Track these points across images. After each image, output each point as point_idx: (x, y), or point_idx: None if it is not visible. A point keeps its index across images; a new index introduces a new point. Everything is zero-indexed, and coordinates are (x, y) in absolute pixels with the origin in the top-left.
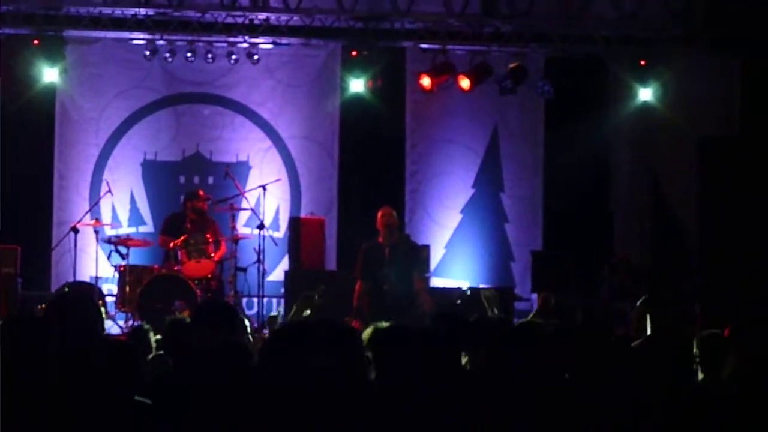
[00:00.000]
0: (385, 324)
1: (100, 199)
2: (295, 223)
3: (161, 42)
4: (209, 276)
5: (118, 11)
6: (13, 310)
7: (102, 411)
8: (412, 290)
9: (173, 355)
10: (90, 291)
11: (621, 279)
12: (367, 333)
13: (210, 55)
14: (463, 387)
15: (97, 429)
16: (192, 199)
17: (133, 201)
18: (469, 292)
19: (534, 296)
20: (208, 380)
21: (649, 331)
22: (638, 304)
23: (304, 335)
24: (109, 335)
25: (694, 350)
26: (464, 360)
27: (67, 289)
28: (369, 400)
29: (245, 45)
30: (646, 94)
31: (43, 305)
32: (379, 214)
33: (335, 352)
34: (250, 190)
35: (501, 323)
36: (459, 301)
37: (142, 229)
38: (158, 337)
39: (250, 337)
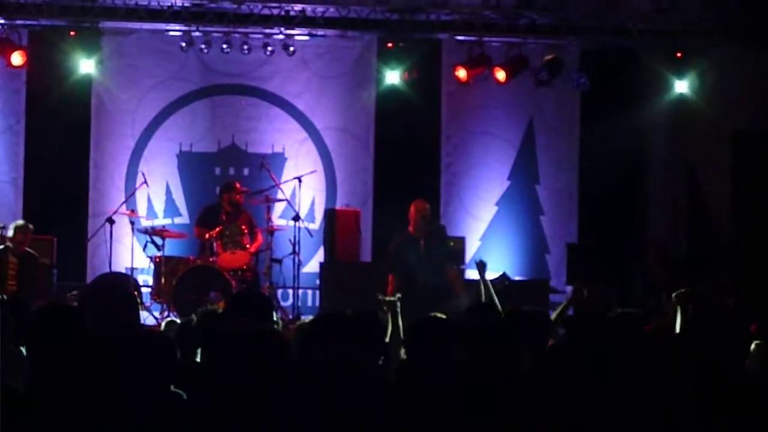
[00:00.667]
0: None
1: (135, 190)
2: (330, 214)
3: (197, 33)
4: (244, 267)
5: (154, 2)
6: (49, 300)
7: (137, 401)
8: (445, 282)
9: (206, 346)
10: (125, 282)
11: (657, 271)
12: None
13: (246, 47)
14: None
15: (133, 419)
16: (229, 191)
17: (168, 192)
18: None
19: (569, 288)
20: (242, 369)
21: (678, 324)
22: (673, 296)
23: (337, 326)
24: (145, 326)
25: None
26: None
27: (101, 279)
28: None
29: (281, 36)
30: (681, 86)
31: (73, 293)
32: (412, 205)
33: (364, 343)
34: (286, 181)
35: (539, 315)
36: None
37: (177, 220)
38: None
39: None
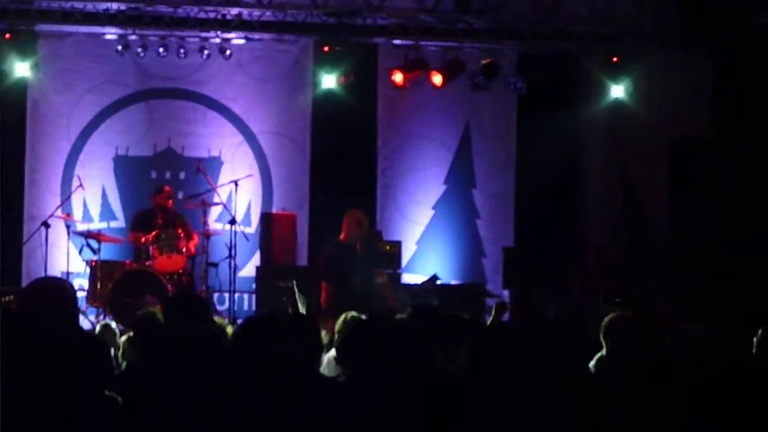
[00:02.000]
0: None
1: (71, 193)
2: (266, 218)
3: (133, 37)
4: (180, 271)
5: (90, 6)
6: None
7: (73, 405)
8: (375, 287)
9: (144, 348)
10: (63, 286)
11: (593, 274)
12: (339, 323)
13: (182, 51)
14: (435, 384)
15: (68, 424)
16: (156, 194)
17: (104, 196)
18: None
19: (505, 293)
20: (181, 369)
21: None
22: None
23: (270, 325)
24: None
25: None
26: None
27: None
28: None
29: (217, 40)
30: (618, 90)
31: (8, 298)
32: (348, 216)
33: (297, 342)
34: (222, 185)
35: (474, 322)
36: (432, 294)
37: (113, 224)
38: (126, 336)
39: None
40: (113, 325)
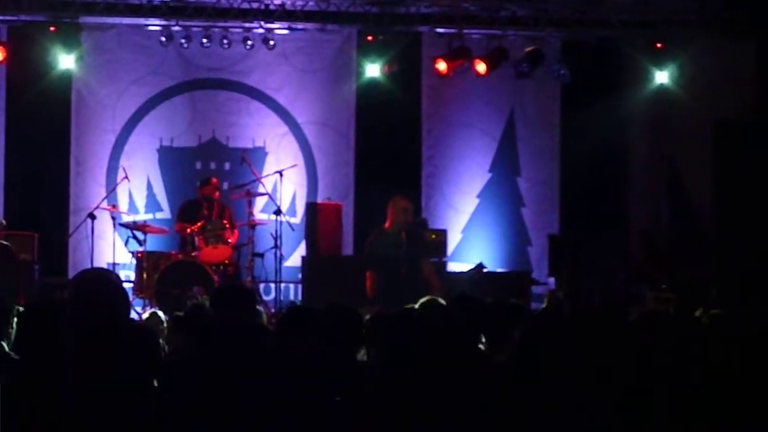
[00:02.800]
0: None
1: (116, 185)
2: (312, 208)
3: (177, 28)
4: (226, 262)
5: None
6: (30, 297)
7: (123, 396)
8: (422, 275)
9: (192, 338)
10: (110, 275)
11: (639, 260)
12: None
13: (226, 41)
14: (479, 371)
15: (118, 413)
16: (202, 186)
17: (149, 187)
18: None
19: (551, 280)
20: (227, 359)
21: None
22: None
23: (310, 319)
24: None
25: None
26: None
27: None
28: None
29: (261, 30)
30: (662, 77)
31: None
32: (393, 203)
33: (339, 336)
34: (267, 175)
35: (518, 308)
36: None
37: (158, 215)
38: (168, 322)
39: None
40: (161, 314)
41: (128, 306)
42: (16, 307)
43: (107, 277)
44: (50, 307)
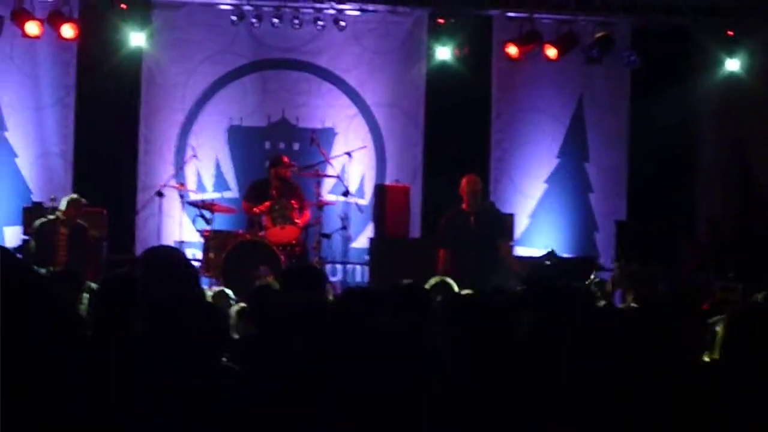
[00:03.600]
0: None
1: (185, 163)
2: (380, 190)
3: (248, 7)
4: (293, 242)
5: None
6: (99, 273)
7: (192, 373)
8: (497, 258)
9: (259, 320)
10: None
11: (707, 248)
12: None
13: (297, 21)
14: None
15: (186, 390)
16: (276, 165)
17: (218, 166)
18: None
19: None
20: (296, 340)
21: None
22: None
23: (375, 296)
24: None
25: None
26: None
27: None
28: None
29: (332, 11)
30: (732, 64)
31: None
32: (464, 181)
33: (405, 314)
34: (336, 156)
35: (589, 294)
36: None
37: (226, 194)
38: (241, 305)
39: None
40: (228, 292)
41: (200, 283)
42: (88, 283)
43: (178, 254)
44: (123, 283)
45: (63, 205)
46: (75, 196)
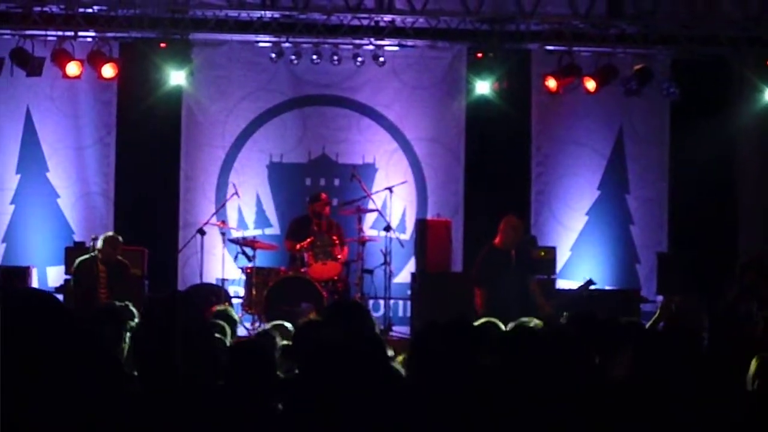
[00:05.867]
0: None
1: (226, 201)
2: (421, 224)
3: (287, 44)
4: (336, 278)
5: (243, 14)
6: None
7: (234, 415)
8: (529, 294)
9: (303, 357)
10: (219, 291)
11: (750, 280)
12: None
13: (336, 57)
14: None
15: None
16: (313, 202)
17: (259, 203)
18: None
19: (660, 298)
20: (341, 378)
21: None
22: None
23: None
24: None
25: None
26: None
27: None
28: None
29: (371, 47)
30: None
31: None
32: (506, 221)
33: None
34: (377, 192)
35: (635, 326)
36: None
37: (268, 231)
38: (284, 342)
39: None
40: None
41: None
42: (129, 322)
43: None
44: (164, 322)
45: (99, 243)
46: (111, 233)
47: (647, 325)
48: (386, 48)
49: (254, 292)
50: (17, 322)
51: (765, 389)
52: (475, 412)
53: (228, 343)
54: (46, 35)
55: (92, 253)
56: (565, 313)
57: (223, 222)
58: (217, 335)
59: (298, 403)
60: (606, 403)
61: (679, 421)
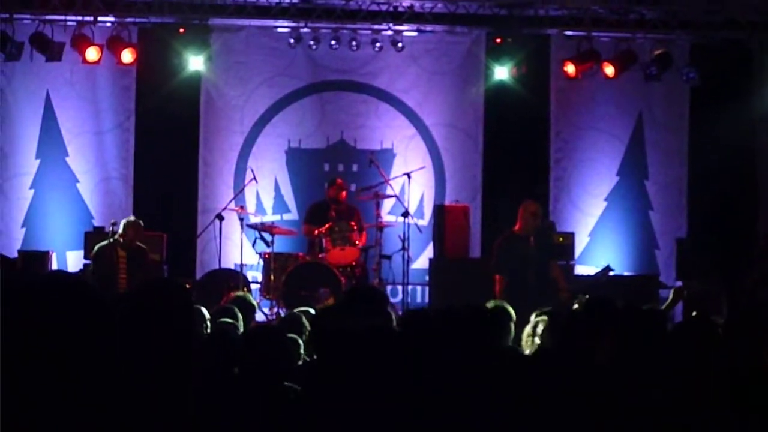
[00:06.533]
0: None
1: (244, 186)
2: (439, 210)
3: (305, 30)
4: (354, 263)
5: None
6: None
7: (253, 394)
8: (551, 280)
9: (321, 343)
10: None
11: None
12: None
13: (354, 43)
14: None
15: (245, 411)
16: (329, 186)
17: (277, 188)
18: (610, 275)
19: (679, 284)
20: (357, 365)
21: None
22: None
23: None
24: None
25: None
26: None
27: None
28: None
29: (389, 32)
30: None
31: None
32: (524, 207)
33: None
34: (395, 177)
35: (654, 312)
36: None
37: (286, 216)
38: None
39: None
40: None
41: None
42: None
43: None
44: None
45: (121, 228)
46: (132, 218)
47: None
48: (405, 33)
49: (272, 278)
50: (49, 307)
51: None
52: (492, 398)
53: (241, 330)
54: (66, 20)
55: (111, 239)
56: (579, 296)
57: (242, 207)
58: (228, 320)
59: (314, 389)
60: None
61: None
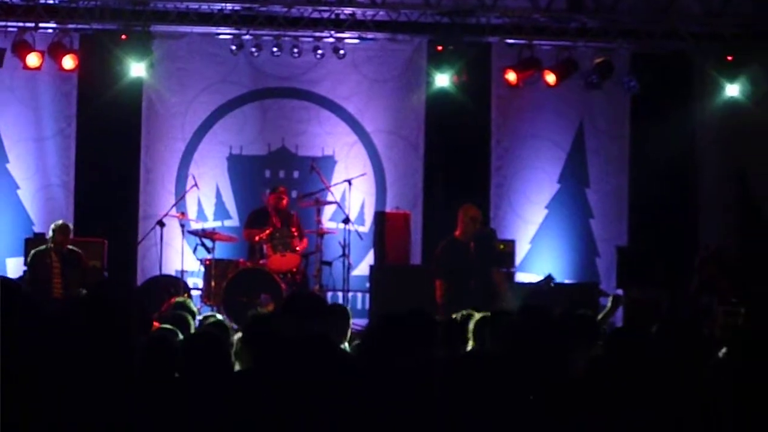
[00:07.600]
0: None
1: (186, 193)
2: (380, 217)
3: (247, 37)
4: (294, 270)
5: (204, 6)
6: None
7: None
8: (492, 285)
9: (255, 349)
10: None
11: (710, 274)
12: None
13: (296, 50)
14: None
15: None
16: (271, 193)
17: (218, 195)
18: (552, 284)
19: (619, 292)
20: (293, 373)
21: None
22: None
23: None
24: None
25: None
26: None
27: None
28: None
29: (331, 40)
30: (732, 89)
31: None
32: (463, 211)
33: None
34: (336, 184)
35: (590, 320)
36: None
37: (227, 223)
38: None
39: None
40: (227, 322)
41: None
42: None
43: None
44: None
45: (50, 233)
46: (60, 222)
47: (598, 318)
48: (346, 41)
49: (213, 284)
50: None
51: None
52: (427, 402)
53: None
54: (6, 26)
55: (46, 246)
56: (515, 303)
57: (183, 214)
58: (169, 326)
59: (253, 396)
60: (564, 397)
61: (633, 417)
